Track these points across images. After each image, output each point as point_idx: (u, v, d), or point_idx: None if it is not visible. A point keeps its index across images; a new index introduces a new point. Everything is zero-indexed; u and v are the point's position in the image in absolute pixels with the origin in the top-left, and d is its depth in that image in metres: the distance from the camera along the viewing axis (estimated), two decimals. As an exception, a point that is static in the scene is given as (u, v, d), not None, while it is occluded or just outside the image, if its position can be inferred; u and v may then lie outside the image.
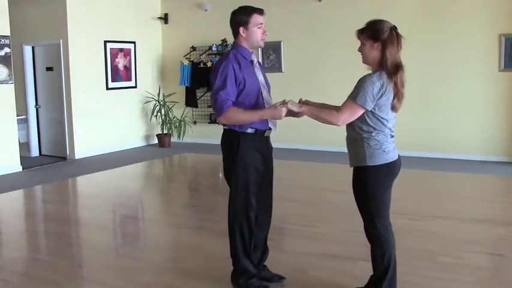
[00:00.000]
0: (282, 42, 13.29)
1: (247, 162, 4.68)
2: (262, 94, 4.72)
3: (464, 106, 11.59)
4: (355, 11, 12.16)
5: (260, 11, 4.69)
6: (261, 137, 4.77)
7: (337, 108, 4.42)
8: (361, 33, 4.30)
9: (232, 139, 4.70)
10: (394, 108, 4.27)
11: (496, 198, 8.79)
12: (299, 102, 4.64)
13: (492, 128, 11.42)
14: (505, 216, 7.53)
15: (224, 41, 13.50)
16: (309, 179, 10.37)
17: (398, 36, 4.22)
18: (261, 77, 4.79)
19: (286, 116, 4.56)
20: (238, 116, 4.57)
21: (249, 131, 4.67)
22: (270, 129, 4.82)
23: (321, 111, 4.47)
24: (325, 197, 8.68)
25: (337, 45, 12.51)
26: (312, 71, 12.78)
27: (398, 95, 4.22)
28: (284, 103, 4.51)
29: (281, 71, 13.32)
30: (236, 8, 4.75)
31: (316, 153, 12.70)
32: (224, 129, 4.80)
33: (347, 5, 12.40)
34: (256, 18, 4.64)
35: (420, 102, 11.52)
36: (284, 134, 13.04)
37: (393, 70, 4.18)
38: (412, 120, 11.38)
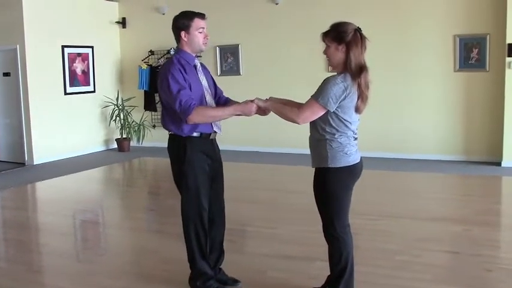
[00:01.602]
0: (239, 45, 13.33)
1: (195, 165, 4.70)
2: (205, 98, 4.75)
3: (420, 106, 11.74)
4: (312, 13, 12.24)
5: (201, 16, 4.73)
6: (207, 140, 4.80)
7: (299, 106, 4.44)
8: (325, 35, 4.33)
9: (178, 144, 4.73)
10: (358, 109, 4.30)
11: (452, 196, 8.93)
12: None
13: (448, 128, 11.59)
14: (461, 215, 7.64)
15: (182, 44, 13.47)
16: (268, 181, 10.40)
17: (362, 38, 4.25)
18: (204, 81, 4.82)
19: (255, 113, 4.63)
20: (210, 113, 4.64)
21: (195, 134, 4.70)
22: (215, 132, 4.87)
23: (283, 107, 4.49)
24: (283, 199, 8.72)
25: (295, 47, 12.60)
26: (270, 74, 12.83)
27: (362, 96, 4.25)
28: (253, 100, 4.57)
29: (239, 74, 13.36)
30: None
31: (274, 155, 12.74)
32: (170, 134, 4.83)
33: (303, 7, 12.48)
34: (197, 23, 4.68)
35: (376, 103, 11.52)
36: (243, 137, 13.14)
37: (357, 71, 4.20)
38: (368, 121, 11.38)
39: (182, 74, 4.59)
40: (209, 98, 4.79)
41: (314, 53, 12.42)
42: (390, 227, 7.00)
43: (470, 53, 11.17)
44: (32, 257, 6.42)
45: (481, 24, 11.03)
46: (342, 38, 4.22)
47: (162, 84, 4.65)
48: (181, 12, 4.76)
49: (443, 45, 11.39)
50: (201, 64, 4.96)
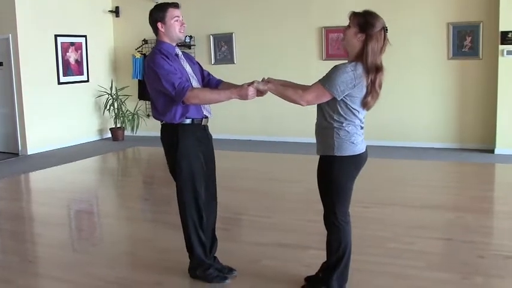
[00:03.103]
0: (233, 34, 13.31)
1: (188, 152, 4.76)
2: (191, 84, 4.78)
3: (414, 95, 11.76)
4: (306, 2, 12.24)
5: (175, 5, 4.85)
6: (199, 126, 4.87)
7: (303, 88, 4.44)
8: (354, 16, 4.28)
9: (171, 132, 4.79)
10: (366, 105, 4.29)
11: (445, 184, 8.96)
12: (262, 80, 4.66)
13: (441, 116, 11.62)
14: (454, 201, 7.69)
15: (176, 33, 13.44)
16: (261, 170, 10.41)
17: (385, 38, 4.25)
18: (188, 68, 4.89)
19: (254, 97, 4.64)
20: (206, 95, 4.72)
21: (187, 121, 4.77)
22: (207, 117, 4.93)
23: (286, 89, 4.46)
24: (277, 188, 8.75)
25: (289, 36, 12.60)
26: (264, 62, 12.77)
27: (372, 93, 4.24)
28: (251, 84, 4.58)
29: (233, 63, 13.34)
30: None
31: (267, 144, 12.74)
32: (162, 124, 4.89)
33: (298, -5, 12.48)
34: (171, 12, 4.79)
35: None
36: (236, 126, 13.14)
37: (372, 68, 4.18)
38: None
39: (166, 60, 4.67)
40: (195, 84, 4.85)
41: (308, 41, 12.52)
42: (383, 215, 7.04)
43: (464, 40, 11.19)
44: (26, 247, 6.44)
45: (474, 12, 11.04)
46: (366, 28, 4.19)
47: (149, 74, 4.74)
48: (155, 6, 4.89)
49: (436, 33, 11.40)
50: (183, 52, 5.04)
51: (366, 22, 4.21)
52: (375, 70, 4.20)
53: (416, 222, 6.65)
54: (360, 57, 4.21)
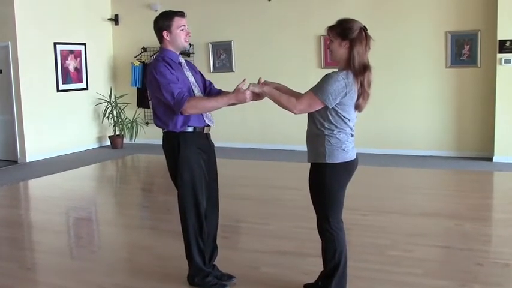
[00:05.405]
0: (232, 42, 13.34)
1: (190, 161, 4.75)
2: (194, 93, 4.79)
3: (412, 103, 11.78)
4: (305, 10, 12.28)
5: (181, 14, 4.85)
6: (201, 134, 4.86)
7: (296, 96, 4.48)
8: (330, 30, 4.34)
9: (173, 140, 4.79)
10: (358, 107, 4.36)
11: (444, 192, 8.97)
12: (258, 82, 4.70)
13: (440, 124, 11.63)
14: (452, 209, 7.67)
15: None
16: (260, 177, 10.42)
17: (367, 37, 4.28)
18: (191, 77, 4.90)
19: (251, 100, 4.66)
20: (204, 103, 4.71)
21: (189, 130, 4.76)
22: (209, 125, 4.93)
23: (281, 95, 4.49)
24: (275, 195, 8.75)
25: (288, 44, 12.63)
26: (263, 70, 12.72)
27: (363, 95, 4.30)
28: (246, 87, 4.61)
29: (232, 71, 13.36)
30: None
31: (266, 152, 12.78)
32: (164, 132, 4.89)
33: (297, 4, 12.51)
34: (177, 21, 4.79)
35: (369, 99, 11.60)
36: (234, 133, 13.14)
37: (360, 70, 4.23)
38: (359, 117, 11.43)
39: (169, 69, 4.67)
40: (198, 93, 4.85)
41: (307, 49, 12.54)
42: (382, 222, 7.04)
43: (462, 49, 11.22)
44: (25, 254, 6.43)
45: (472, 21, 11.08)
46: (346, 34, 4.23)
47: (151, 82, 4.72)
48: (161, 13, 4.89)
49: (434, 42, 11.43)
50: (186, 61, 5.05)
51: (343, 29, 4.27)
52: (363, 70, 4.25)
53: (415, 230, 6.65)
54: (349, 63, 4.26)
